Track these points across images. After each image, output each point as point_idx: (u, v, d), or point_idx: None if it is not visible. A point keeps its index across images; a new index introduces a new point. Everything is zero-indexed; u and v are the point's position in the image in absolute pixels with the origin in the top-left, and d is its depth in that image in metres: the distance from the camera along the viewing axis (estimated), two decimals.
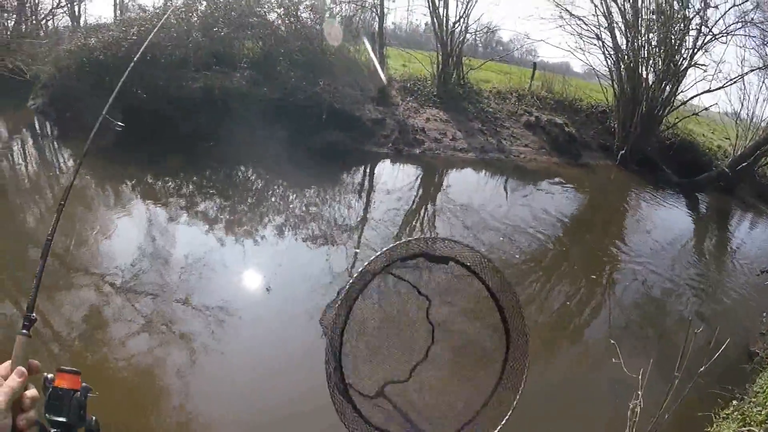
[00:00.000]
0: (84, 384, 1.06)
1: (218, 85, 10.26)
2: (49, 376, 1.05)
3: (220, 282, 5.47)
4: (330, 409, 1.26)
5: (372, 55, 13.72)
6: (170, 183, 8.17)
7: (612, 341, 4.17)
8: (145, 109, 9.02)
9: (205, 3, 11.51)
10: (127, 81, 1.49)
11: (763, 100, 14.86)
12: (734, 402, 4.76)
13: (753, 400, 4.73)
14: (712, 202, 14.05)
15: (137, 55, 1.76)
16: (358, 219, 8.08)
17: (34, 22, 14.08)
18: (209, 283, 5.38)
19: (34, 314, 1.06)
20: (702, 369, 3.24)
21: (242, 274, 5.86)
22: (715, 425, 4.48)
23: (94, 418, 1.06)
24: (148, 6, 12.62)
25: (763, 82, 14.69)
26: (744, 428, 4.12)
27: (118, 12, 12.79)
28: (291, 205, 8.09)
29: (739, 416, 4.44)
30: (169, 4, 12.31)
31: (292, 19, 12.76)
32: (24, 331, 1.03)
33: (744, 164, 14.08)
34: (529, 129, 14.38)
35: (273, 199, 8.26)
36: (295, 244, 6.73)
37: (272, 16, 12.60)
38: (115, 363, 4.05)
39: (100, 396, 1.10)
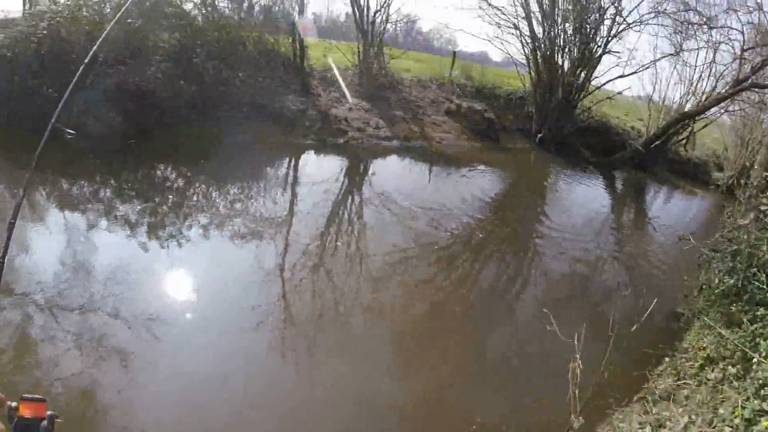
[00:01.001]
0: (50, 412, 1.08)
1: (132, 80, 9.29)
2: (13, 404, 1.08)
3: (148, 290, 5.05)
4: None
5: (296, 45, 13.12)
6: (86, 187, 7.36)
7: (545, 310, 4.13)
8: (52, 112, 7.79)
9: None
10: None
11: (674, 84, 15.73)
12: (666, 359, 4.87)
13: (684, 356, 4.88)
14: (629, 179, 14.74)
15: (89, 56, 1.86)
16: (285, 212, 7.75)
17: None
18: (136, 291, 4.94)
19: None
20: (633, 328, 3.30)
21: (170, 279, 5.42)
22: (650, 382, 4.56)
23: None
24: None
25: (674, 67, 15.50)
26: (679, 382, 4.11)
27: (28, 5, 11.09)
28: (215, 203, 7.64)
29: (672, 372, 4.56)
30: None
31: (209, 8, 12.07)
32: None
33: (657, 142, 14.81)
34: (449, 116, 14.43)
35: (196, 198, 7.74)
36: (222, 243, 6.33)
37: (188, 6, 11.77)
38: (49, 387, 3.65)
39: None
